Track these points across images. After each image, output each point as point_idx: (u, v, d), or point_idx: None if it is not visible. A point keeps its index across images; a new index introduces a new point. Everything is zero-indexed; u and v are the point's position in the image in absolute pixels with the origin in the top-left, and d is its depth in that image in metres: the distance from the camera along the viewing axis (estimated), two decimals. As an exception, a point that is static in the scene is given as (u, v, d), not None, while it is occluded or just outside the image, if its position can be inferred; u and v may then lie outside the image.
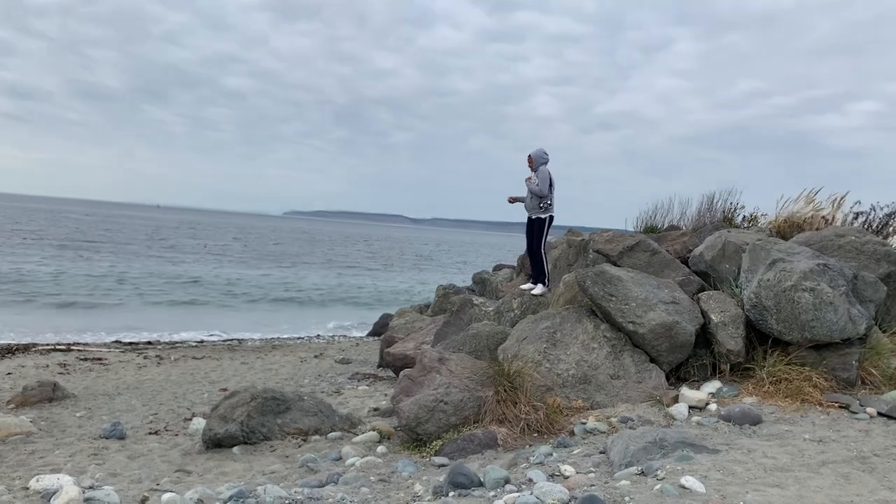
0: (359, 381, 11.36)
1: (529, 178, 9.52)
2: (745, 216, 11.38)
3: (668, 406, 6.14)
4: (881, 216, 9.61)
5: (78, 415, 8.73)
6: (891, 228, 9.46)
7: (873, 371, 6.43)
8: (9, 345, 14.26)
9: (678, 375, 6.91)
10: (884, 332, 7.09)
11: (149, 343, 16.26)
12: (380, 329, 19.21)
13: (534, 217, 9.55)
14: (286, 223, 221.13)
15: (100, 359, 13.13)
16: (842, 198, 10.17)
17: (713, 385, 6.55)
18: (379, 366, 12.63)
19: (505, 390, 6.31)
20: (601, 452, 5.24)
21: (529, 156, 9.60)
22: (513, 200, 9.90)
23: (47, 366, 12.19)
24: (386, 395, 9.64)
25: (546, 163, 9.50)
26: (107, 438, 7.45)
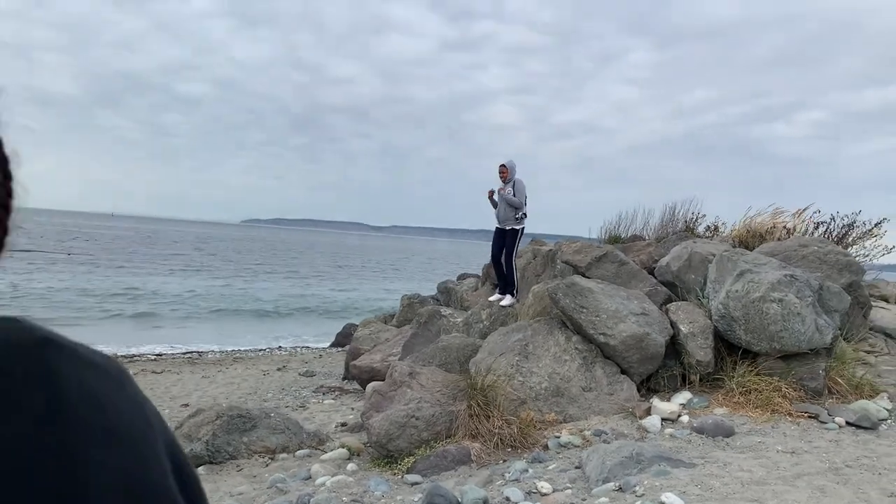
0: (324, 394, 11.18)
1: (503, 189, 9.39)
2: (707, 226, 11.52)
3: (640, 418, 6.14)
4: (841, 226, 9.80)
5: (33, 435, 8.41)
6: (850, 238, 9.65)
7: (839, 380, 6.51)
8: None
9: (649, 386, 6.92)
10: (847, 341, 7.21)
11: (105, 357, 15.82)
12: (343, 339, 18.98)
13: (507, 228, 9.45)
14: (245, 231, 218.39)
15: (54, 374, 12.73)
16: (804, 210, 10.36)
17: (684, 396, 6.57)
18: (344, 378, 12.46)
19: (478, 404, 6.24)
20: (577, 467, 5.20)
21: (504, 166, 9.43)
22: (492, 194, 9.58)
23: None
24: (353, 408, 9.49)
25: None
26: (64, 460, 7.18)
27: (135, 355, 16.28)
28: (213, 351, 17.84)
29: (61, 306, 23.75)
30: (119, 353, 16.45)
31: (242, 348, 18.70)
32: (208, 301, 28.79)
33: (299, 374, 13.47)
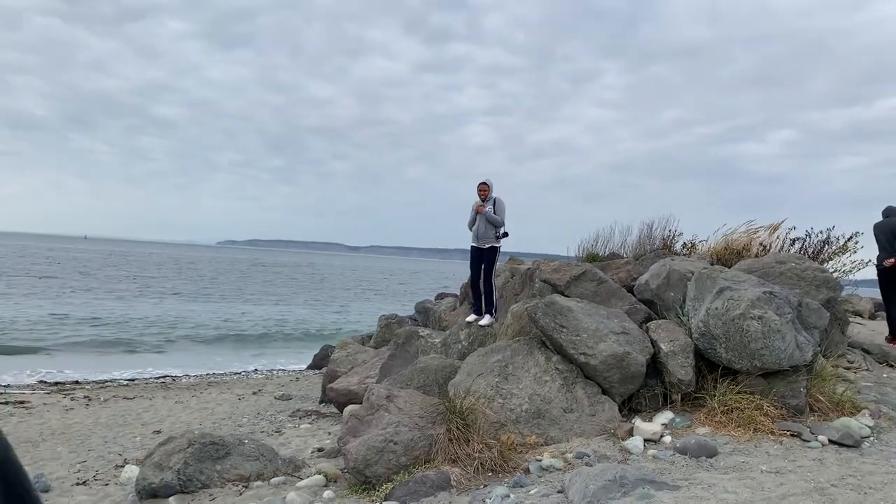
0: (300, 418, 10.97)
1: (482, 207, 9.27)
2: (684, 243, 11.52)
3: (622, 439, 6.04)
4: (816, 242, 9.83)
5: (-3, 466, 8.12)
6: (826, 254, 9.68)
7: (820, 397, 6.47)
8: (-80, 389, 13.33)
9: (630, 406, 6.84)
10: (827, 357, 7.18)
11: (76, 383, 15.43)
12: (320, 361, 18.74)
13: (486, 246, 9.33)
14: (220, 253, 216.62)
15: (22, 402, 12.36)
16: (778, 225, 10.39)
17: (665, 416, 6.49)
18: (321, 401, 12.25)
19: (457, 428, 6.10)
20: (559, 492, 5.08)
21: (486, 184, 9.33)
22: (481, 210, 9.30)
23: (-37, 411, 11.41)
24: (329, 433, 9.31)
25: None
26: (29, 492, 6.91)
27: (107, 381, 15.91)
28: (187, 375, 17.51)
29: (30, 331, 23.23)
30: (90, 379, 16.06)
31: (217, 372, 18.39)
32: (183, 324, 28.35)
33: (275, 397, 13.23)
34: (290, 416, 11.17)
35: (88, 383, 15.41)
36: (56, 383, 15.17)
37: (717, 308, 6.58)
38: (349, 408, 10.15)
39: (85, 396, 13.17)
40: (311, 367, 19.23)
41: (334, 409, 10.96)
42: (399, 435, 6.17)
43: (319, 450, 8.28)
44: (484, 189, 9.25)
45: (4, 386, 14.38)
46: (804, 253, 9.78)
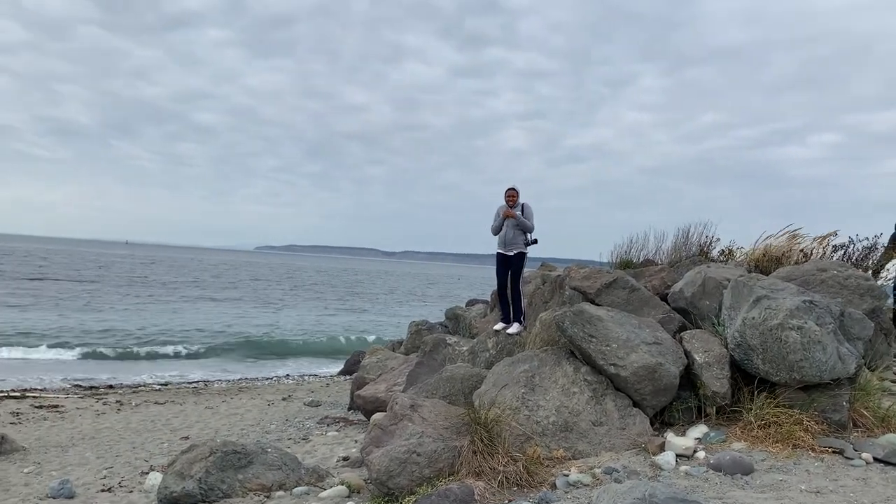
0: (328, 425, 10.90)
1: (510, 212, 9.06)
2: (721, 249, 11.19)
3: (653, 454, 5.80)
4: (860, 249, 9.45)
5: (25, 470, 8.16)
6: (870, 262, 9.30)
7: (864, 412, 6.16)
8: (-41, 393, 13.55)
9: (662, 419, 6.58)
10: (871, 370, 6.85)
11: (109, 387, 15.60)
12: (352, 367, 18.69)
13: (513, 253, 9.14)
14: (259, 258, 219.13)
15: (56, 406, 12.50)
16: (827, 237, 9.97)
17: (699, 430, 6.23)
18: (350, 408, 12.17)
19: (481, 440, 5.92)
20: (586, 509, 4.88)
21: (514, 189, 9.14)
22: (510, 215, 9.09)
23: (-2, 415, 11.56)
24: (356, 441, 9.20)
25: None
26: (54, 498, 6.92)
27: (139, 385, 16.05)
28: (219, 380, 17.60)
29: (72, 336, 23.60)
30: (124, 383, 16.22)
31: (249, 377, 18.45)
32: (217, 330, 28.60)
33: (304, 403, 13.20)
34: (318, 423, 11.11)
35: (122, 387, 15.56)
36: (90, 387, 15.35)
37: (753, 317, 6.30)
38: (376, 416, 10.03)
39: (117, 401, 13.27)
40: (342, 372, 19.20)
41: (362, 417, 10.87)
42: (422, 446, 6.01)
43: (345, 459, 8.17)
44: (512, 195, 9.07)
45: (40, 390, 14.57)
46: (847, 260, 9.41)
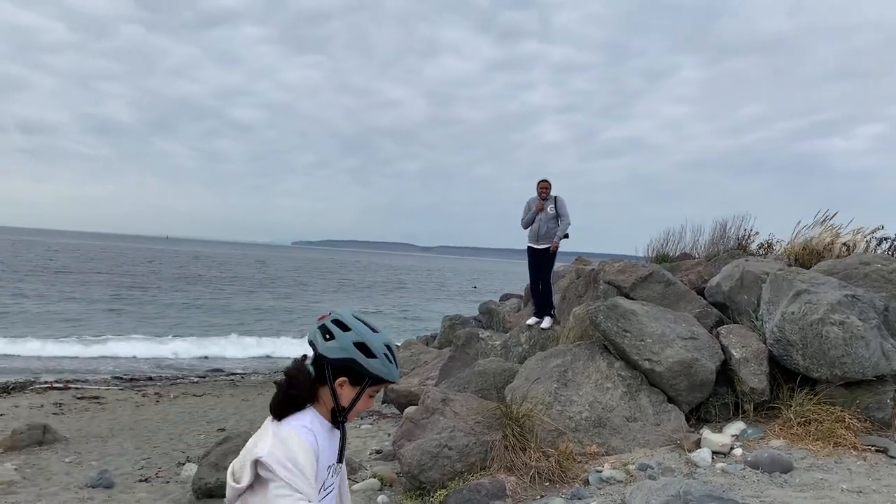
0: (362, 418, 10.93)
1: (541, 206, 8.92)
2: (760, 243, 10.94)
3: (689, 451, 5.69)
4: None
5: (67, 460, 8.33)
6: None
7: (910, 410, 5.97)
8: (6, 383, 13.88)
9: (698, 416, 6.46)
10: (917, 366, 6.63)
11: (149, 379, 15.86)
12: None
13: (543, 246, 9.00)
14: (296, 253, 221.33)
15: (97, 397, 12.75)
16: (871, 232, 9.66)
17: (737, 426, 6.09)
18: (383, 401, 12.19)
19: (513, 435, 5.88)
20: (619, 505, 4.81)
21: (548, 181, 8.98)
22: (541, 208, 9.01)
23: (42, 406, 11.82)
24: (389, 434, 9.21)
25: None
26: (93, 487, 7.05)
27: (178, 377, 16.29)
28: (255, 373, 17.79)
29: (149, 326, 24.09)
30: (163, 376, 16.48)
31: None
32: (261, 318, 29.09)
33: (339, 397, 13.28)
34: (351, 416, 11.17)
35: (161, 379, 15.81)
36: (130, 379, 15.62)
37: (793, 312, 6.14)
38: (409, 409, 10.03)
39: (156, 393, 13.49)
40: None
41: (395, 410, 10.89)
42: (454, 440, 5.99)
43: (377, 451, 8.19)
44: (545, 187, 8.91)
45: (83, 381, 14.87)
46: (892, 254, 9.13)
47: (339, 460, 2.01)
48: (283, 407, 1.89)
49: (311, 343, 1.92)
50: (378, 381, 1.92)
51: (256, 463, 1.80)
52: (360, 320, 1.93)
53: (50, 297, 31.31)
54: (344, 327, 1.89)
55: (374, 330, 1.92)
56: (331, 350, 1.88)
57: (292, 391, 1.88)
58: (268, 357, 20.81)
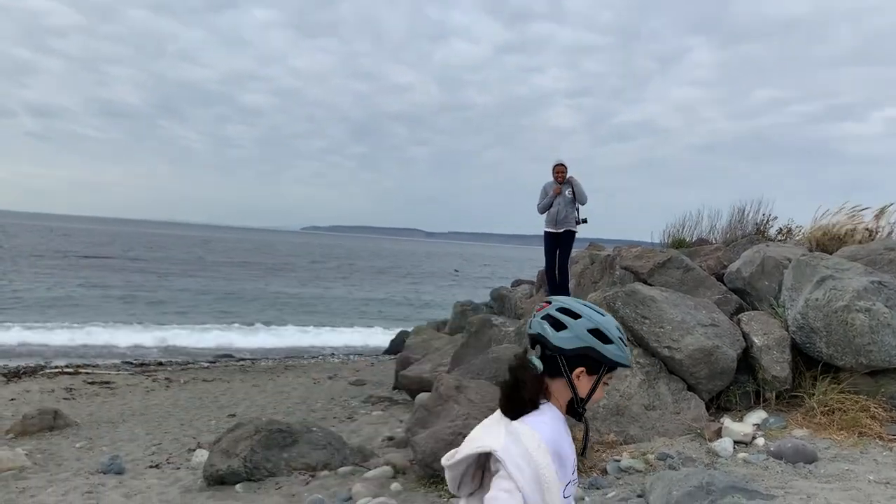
0: (373, 404, 10.86)
1: (559, 190, 8.72)
2: (779, 228, 10.77)
3: (710, 440, 5.56)
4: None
5: (77, 445, 8.29)
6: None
7: (937, 400, 5.82)
8: (17, 367, 13.88)
9: (718, 404, 6.32)
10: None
11: (160, 364, 15.84)
12: (397, 347, 18.67)
13: (562, 231, 8.82)
14: (305, 238, 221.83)
15: (108, 382, 12.72)
16: (884, 209, 9.53)
17: (758, 415, 5.96)
18: (394, 388, 12.11)
19: (529, 423, 5.76)
20: (639, 496, 4.69)
21: (563, 165, 8.78)
22: (559, 192, 8.84)
23: (53, 390, 11.79)
24: (401, 420, 9.13)
25: None
26: (104, 473, 6.98)
27: (188, 363, 16.26)
28: (266, 358, 17.75)
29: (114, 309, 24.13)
30: (173, 361, 16.47)
31: (293, 356, 18.57)
32: (264, 305, 29.03)
33: (349, 382, 13.19)
34: (363, 402, 11.08)
35: (171, 364, 15.79)
36: (140, 364, 15.60)
37: (817, 299, 5.98)
38: (421, 396, 9.94)
39: (166, 378, 13.45)
40: (387, 352, 19.20)
41: (407, 397, 10.80)
42: (468, 428, 5.84)
43: (390, 438, 8.10)
44: (561, 170, 8.73)
45: (93, 366, 14.86)
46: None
47: (582, 453, 1.91)
48: (516, 408, 1.77)
49: (538, 336, 1.81)
50: (614, 366, 1.81)
51: (486, 456, 1.73)
52: (585, 305, 1.84)
53: (58, 283, 31.41)
54: (573, 315, 1.80)
55: (601, 314, 1.83)
56: (566, 341, 1.77)
57: (524, 393, 1.77)
58: (276, 345, 20.75)
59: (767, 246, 7.88)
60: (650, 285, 7.31)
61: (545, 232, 8.94)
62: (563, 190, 8.70)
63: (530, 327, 1.84)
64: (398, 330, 21.40)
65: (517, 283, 17.31)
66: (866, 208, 9.11)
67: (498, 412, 1.81)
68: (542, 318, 1.81)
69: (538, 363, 1.79)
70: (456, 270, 70.43)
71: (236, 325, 23.29)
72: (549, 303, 1.84)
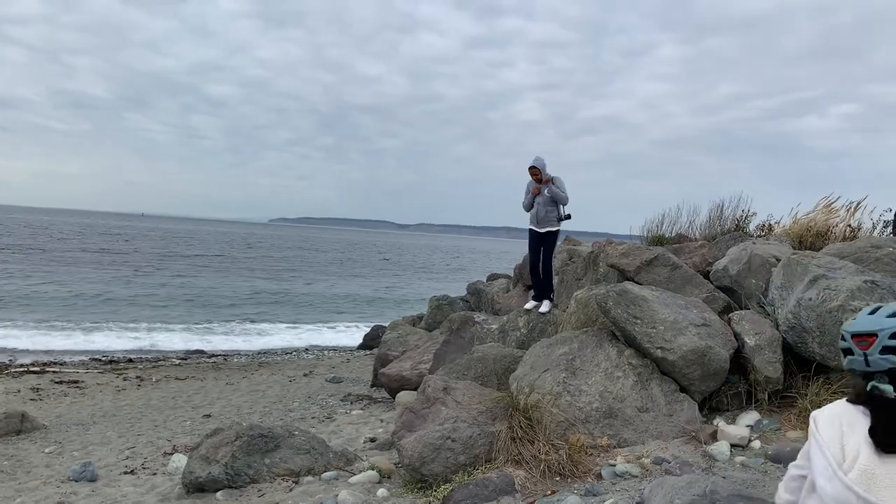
0: (352, 403, 10.67)
1: (538, 190, 8.56)
2: (758, 224, 10.77)
3: (705, 443, 5.47)
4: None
5: (47, 450, 7.98)
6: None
7: (929, 400, 5.79)
8: (-21, 367, 13.43)
9: (710, 405, 6.24)
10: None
11: (129, 361, 15.45)
12: (371, 342, 18.47)
13: (544, 231, 8.66)
14: (273, 231, 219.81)
15: (76, 382, 12.34)
16: (857, 204, 9.59)
17: (751, 416, 5.89)
18: (372, 385, 11.92)
19: (520, 426, 5.62)
20: (638, 503, 4.57)
21: (535, 167, 8.54)
22: (538, 192, 8.64)
23: (19, 391, 11.41)
24: (382, 420, 8.95)
25: None
26: (76, 481, 6.70)
27: (159, 360, 15.89)
28: (238, 354, 17.43)
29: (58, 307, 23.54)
30: (143, 358, 16.07)
31: (267, 349, 18.27)
32: (235, 300, 28.55)
33: (326, 380, 12.97)
34: (341, 400, 10.88)
35: (141, 362, 15.42)
36: (109, 361, 15.20)
37: (810, 298, 5.92)
38: (402, 395, 9.78)
39: (137, 377, 13.11)
40: (361, 346, 18.98)
41: (386, 394, 10.63)
42: (457, 431, 5.73)
43: (372, 440, 7.92)
44: (535, 173, 8.50)
45: (60, 364, 14.44)
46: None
47: None
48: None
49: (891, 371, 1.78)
50: None
51: None
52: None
53: (25, 278, 30.62)
54: None
55: None
56: None
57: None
58: (248, 341, 20.40)
59: (754, 243, 7.83)
60: (638, 283, 7.21)
61: (529, 229, 8.81)
62: (542, 190, 8.55)
63: (869, 365, 1.81)
64: (372, 325, 21.18)
65: (492, 276, 17.18)
66: (832, 196, 9.15)
67: (866, 446, 1.73)
68: (881, 352, 1.78)
69: (889, 389, 1.77)
70: (386, 258, 71.58)
71: (207, 322, 22.88)
72: (861, 335, 1.82)
